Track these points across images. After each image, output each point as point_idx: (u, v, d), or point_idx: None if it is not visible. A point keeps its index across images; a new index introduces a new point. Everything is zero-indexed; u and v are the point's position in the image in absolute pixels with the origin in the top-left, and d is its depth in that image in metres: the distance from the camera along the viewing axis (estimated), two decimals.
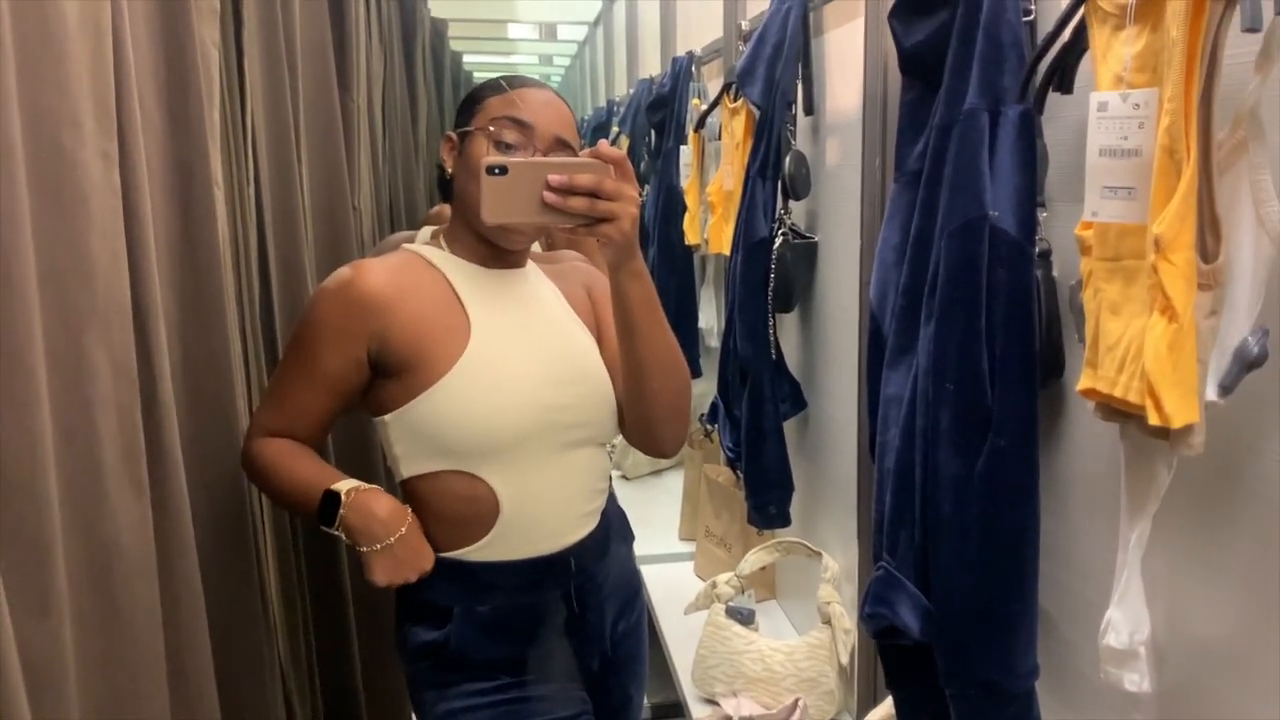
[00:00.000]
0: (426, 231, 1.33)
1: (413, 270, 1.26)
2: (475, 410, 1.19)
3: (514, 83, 1.27)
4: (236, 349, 1.26)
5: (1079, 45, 0.95)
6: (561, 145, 1.23)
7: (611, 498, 1.40)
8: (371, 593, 1.84)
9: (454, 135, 1.28)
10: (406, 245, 1.31)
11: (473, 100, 1.28)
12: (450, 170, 1.29)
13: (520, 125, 1.21)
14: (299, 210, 1.65)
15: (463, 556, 1.24)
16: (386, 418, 1.22)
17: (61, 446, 0.82)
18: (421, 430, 1.20)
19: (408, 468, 1.24)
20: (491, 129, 1.22)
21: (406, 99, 3.58)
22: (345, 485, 1.18)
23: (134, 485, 0.92)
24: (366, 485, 1.20)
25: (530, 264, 1.35)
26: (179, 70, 1.13)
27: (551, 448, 1.24)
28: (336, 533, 1.18)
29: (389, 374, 1.21)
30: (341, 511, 1.16)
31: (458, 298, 1.24)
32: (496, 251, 1.27)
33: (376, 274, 1.22)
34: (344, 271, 1.23)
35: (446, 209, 2.80)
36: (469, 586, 1.24)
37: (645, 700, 1.48)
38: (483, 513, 1.23)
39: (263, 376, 1.40)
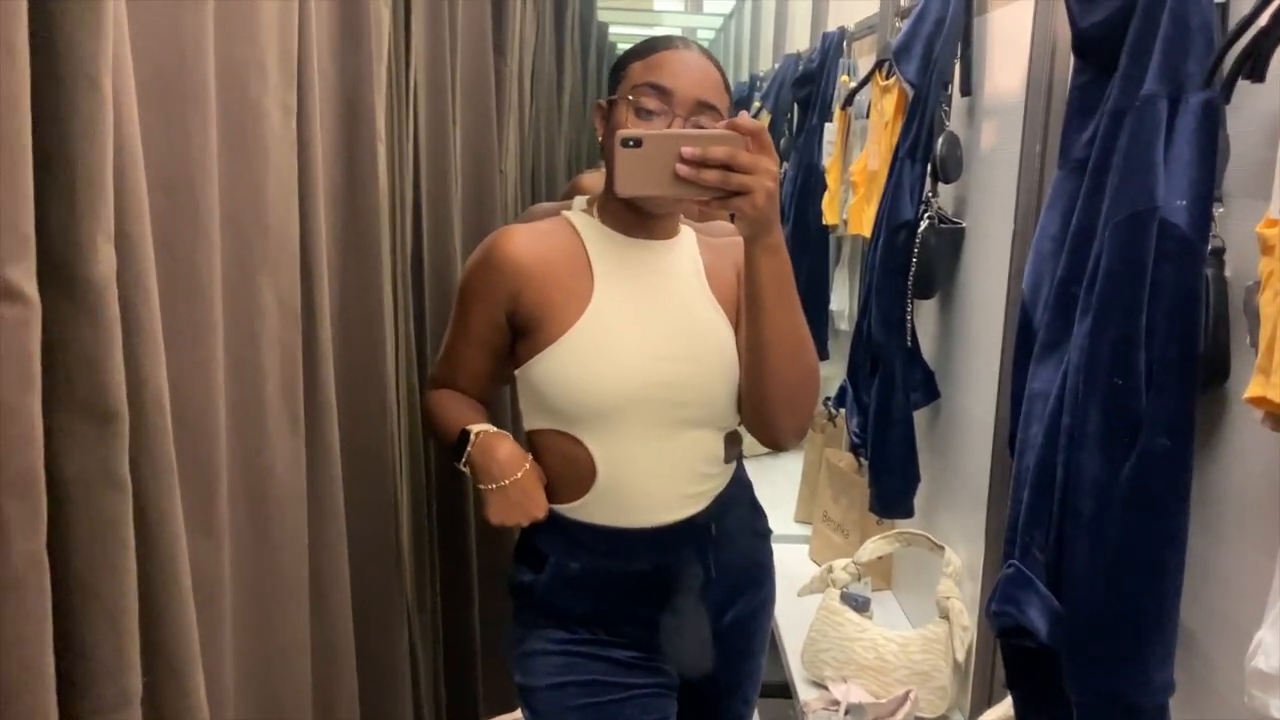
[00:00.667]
0: (582, 200, 1.35)
1: (556, 236, 1.29)
2: (578, 375, 1.21)
3: (658, 45, 1.26)
4: (388, 299, 1.31)
5: (1276, 31, 0.89)
6: (704, 108, 1.21)
7: (742, 487, 1.38)
8: (495, 548, 1.91)
9: (603, 103, 1.30)
10: (563, 211, 1.34)
11: (619, 66, 1.28)
12: (600, 138, 1.30)
13: (660, 91, 1.20)
14: (451, 169, 1.70)
15: (563, 512, 1.28)
16: (516, 372, 1.28)
17: (230, 378, 0.88)
18: (534, 388, 1.25)
19: (527, 422, 1.30)
20: (631, 97, 1.22)
21: (554, 67, 3.62)
22: (477, 427, 1.26)
23: (291, 420, 0.97)
24: (496, 429, 1.27)
25: (686, 234, 1.34)
26: (354, 27, 1.18)
27: (655, 423, 1.24)
28: (464, 469, 1.26)
29: (521, 333, 1.27)
30: (469, 449, 1.24)
31: (589, 264, 1.26)
32: (642, 220, 1.28)
33: (517, 240, 1.27)
34: (490, 238, 1.30)
35: (585, 178, 2.83)
36: (564, 541, 1.28)
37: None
38: (581, 475, 1.25)
39: (409, 326, 1.46)
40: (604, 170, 1.32)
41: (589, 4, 5.01)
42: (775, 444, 1.32)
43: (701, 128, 1.20)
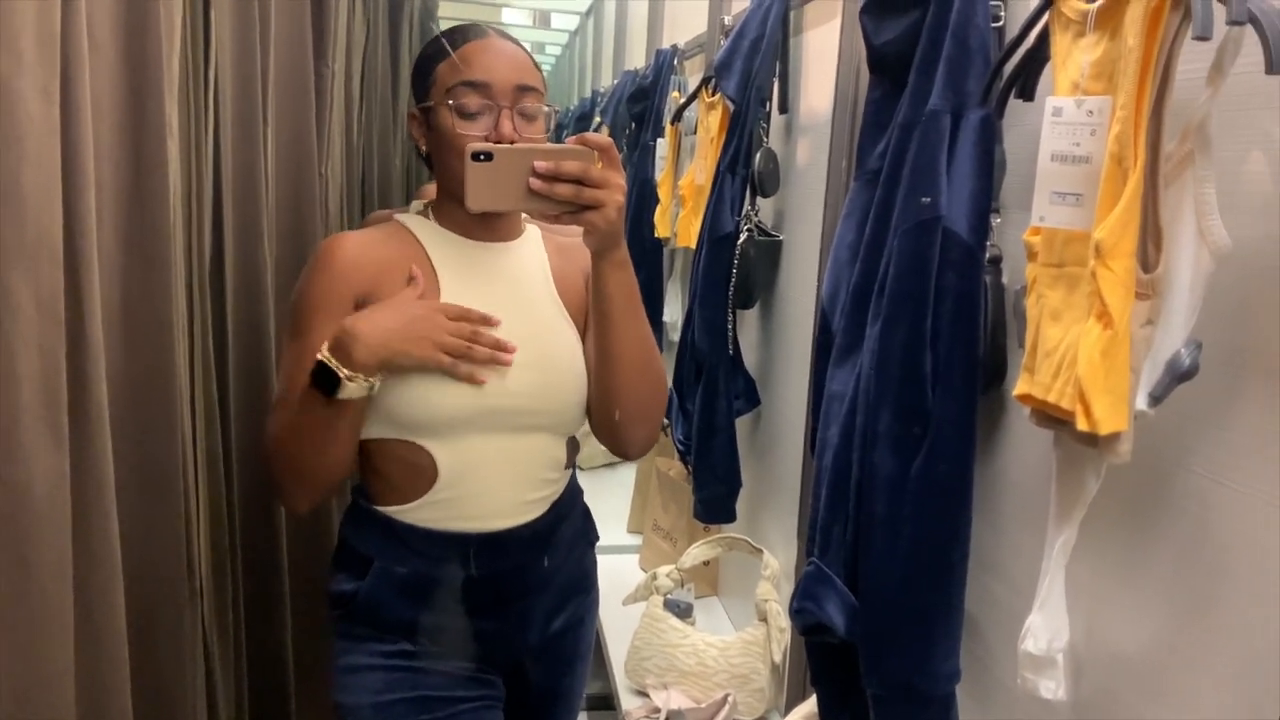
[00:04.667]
0: (417, 204, 1.31)
1: (393, 240, 1.25)
2: (419, 384, 1.17)
3: (457, 39, 1.22)
4: (181, 302, 1.23)
5: (1042, 53, 0.95)
6: (524, 91, 1.19)
7: (575, 494, 1.37)
8: (311, 564, 1.82)
9: (416, 112, 1.26)
10: (396, 215, 1.29)
11: (423, 72, 1.24)
12: (425, 148, 1.27)
13: (476, 87, 1.18)
14: (260, 170, 1.62)
15: (394, 514, 1.22)
16: None
17: None
18: (376, 399, 1.17)
19: (365, 431, 1.21)
20: (451, 101, 1.19)
21: (389, 72, 3.54)
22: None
23: (53, 431, 0.89)
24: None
25: (531, 233, 1.32)
26: (138, 9, 1.11)
27: (501, 429, 1.21)
28: (349, 379, 1.11)
29: None
30: (322, 357, 1.11)
31: (433, 270, 1.22)
32: (485, 220, 1.25)
33: (352, 243, 1.22)
34: (321, 249, 1.23)
35: (430, 188, 2.78)
36: (393, 544, 1.23)
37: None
38: (421, 478, 1.21)
39: (208, 335, 1.38)
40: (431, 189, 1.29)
41: (429, 12, 4.92)
42: (625, 454, 1.32)
43: (525, 113, 1.19)
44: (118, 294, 1.11)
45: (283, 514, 1.64)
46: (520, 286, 1.26)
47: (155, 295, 1.16)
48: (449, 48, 1.21)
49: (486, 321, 1.19)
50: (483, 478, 1.22)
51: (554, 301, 1.28)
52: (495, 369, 1.19)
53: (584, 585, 1.39)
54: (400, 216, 1.29)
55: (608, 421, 1.25)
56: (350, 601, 1.24)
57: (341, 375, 1.10)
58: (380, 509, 1.23)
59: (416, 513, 1.22)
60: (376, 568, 1.23)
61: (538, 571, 1.29)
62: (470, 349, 1.16)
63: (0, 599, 0.85)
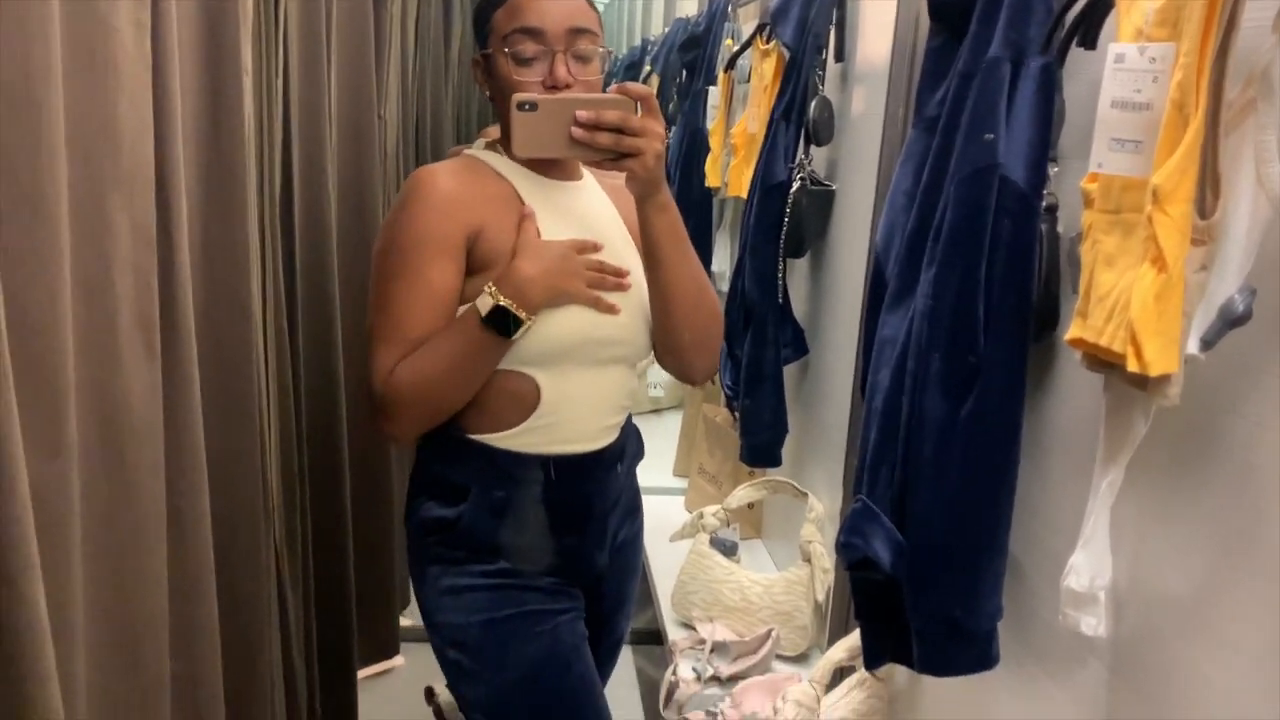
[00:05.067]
0: (481, 142, 1.35)
1: (480, 175, 1.29)
2: (541, 317, 1.22)
3: None
4: (254, 235, 1.28)
5: (1105, 1, 0.96)
6: (579, 34, 1.22)
7: (629, 416, 1.44)
8: (372, 492, 1.90)
9: (478, 58, 1.30)
10: (466, 150, 1.33)
11: (481, 19, 1.28)
12: (488, 93, 1.31)
13: (531, 33, 1.21)
14: (324, 110, 1.67)
15: (490, 441, 1.28)
16: (462, 310, 1.23)
17: (80, 299, 0.85)
18: None
19: None
20: (507, 49, 1.22)
21: (441, 18, 3.56)
22: (486, 299, 1.19)
23: (146, 348, 0.95)
24: (490, 286, 1.20)
25: (588, 177, 1.37)
26: None
27: (592, 360, 1.29)
28: (527, 320, 1.19)
29: (471, 273, 1.24)
30: (498, 304, 1.18)
31: (523, 204, 1.27)
32: (553, 161, 1.30)
33: (448, 177, 1.25)
34: (419, 183, 1.23)
35: (492, 131, 2.82)
36: (489, 471, 1.29)
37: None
38: (522, 405, 1.27)
39: (278, 265, 1.43)
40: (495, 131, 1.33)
41: None
42: (691, 379, 1.41)
43: (580, 55, 1.23)
44: (199, 224, 1.17)
45: (347, 444, 1.71)
46: (595, 220, 1.33)
47: (232, 229, 1.22)
48: None
49: (597, 249, 1.27)
50: (576, 404, 1.29)
51: (626, 238, 1.34)
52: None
53: (638, 503, 1.48)
54: (472, 151, 1.33)
55: (672, 353, 1.33)
56: (451, 527, 1.30)
57: (522, 316, 1.18)
58: (476, 438, 1.28)
59: (515, 439, 1.28)
60: (475, 493, 1.29)
61: (613, 490, 1.37)
62: (603, 279, 1.25)
63: (100, 500, 0.91)
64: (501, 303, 1.18)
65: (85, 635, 0.85)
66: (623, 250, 1.32)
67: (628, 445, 1.40)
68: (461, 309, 1.23)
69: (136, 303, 0.93)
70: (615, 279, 1.27)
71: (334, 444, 1.68)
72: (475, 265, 1.24)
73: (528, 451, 1.28)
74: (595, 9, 1.28)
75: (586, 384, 1.29)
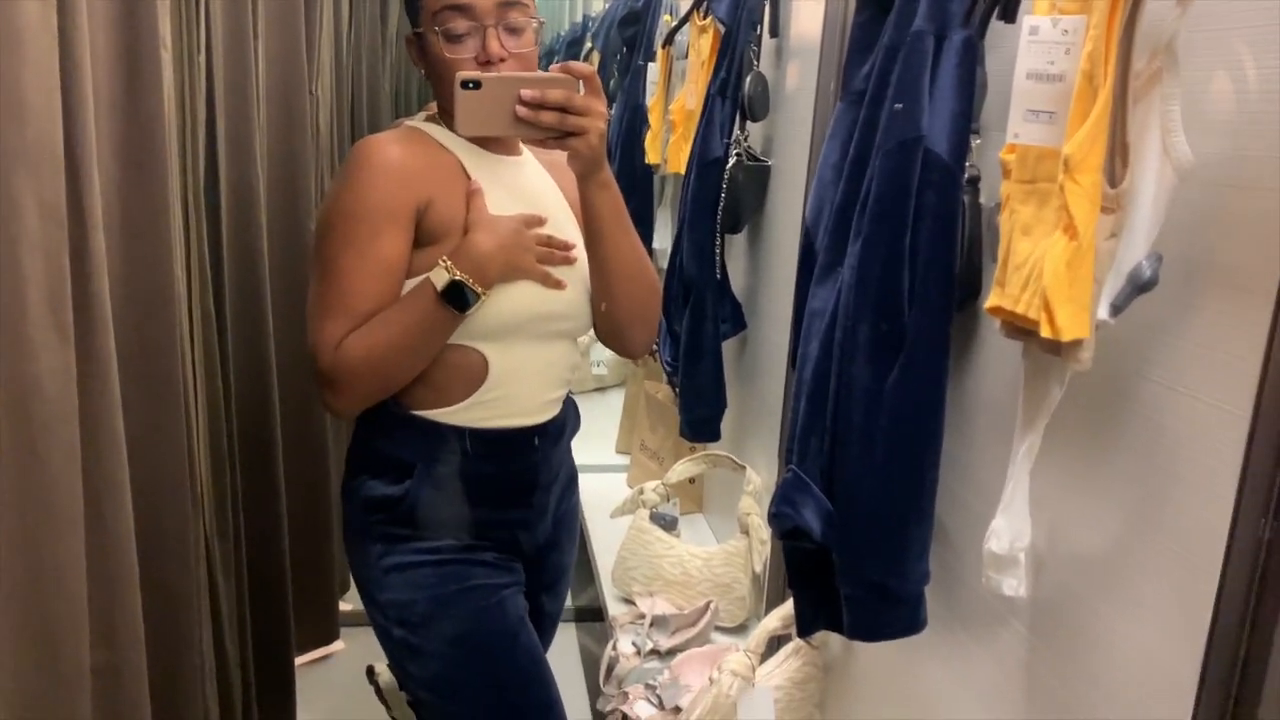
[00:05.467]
0: (421, 115, 1.33)
1: (425, 146, 1.27)
2: (494, 291, 1.22)
3: None
4: (177, 214, 1.25)
5: None
6: (508, 7, 1.22)
7: (570, 393, 1.45)
8: (308, 471, 1.87)
9: (411, 36, 1.29)
10: (408, 121, 1.31)
11: None
12: (423, 72, 1.30)
13: (461, 9, 1.21)
14: (251, 86, 1.63)
15: (436, 416, 1.27)
16: (408, 283, 1.22)
17: None
18: None
19: None
20: (437, 27, 1.21)
21: None
22: (442, 274, 1.18)
23: (58, 330, 0.92)
24: (444, 260, 1.19)
25: (527, 153, 1.37)
26: None
27: (538, 335, 1.30)
28: (483, 295, 1.20)
29: (417, 245, 1.22)
30: (454, 279, 1.18)
31: (469, 178, 1.26)
32: (493, 137, 1.29)
33: (396, 149, 1.22)
34: (367, 152, 1.21)
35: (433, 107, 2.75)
36: (435, 446, 1.28)
37: (569, 602, 1.53)
38: (470, 379, 1.26)
39: (203, 246, 1.40)
40: (432, 108, 1.32)
41: None
42: (630, 354, 1.43)
43: (511, 26, 1.22)
44: (116, 203, 1.14)
45: (278, 421, 1.68)
46: (541, 198, 1.33)
47: (152, 206, 1.18)
48: None
49: (543, 223, 1.27)
50: (522, 379, 1.29)
51: (567, 212, 1.34)
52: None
53: (574, 470, 1.49)
54: (413, 122, 1.32)
55: (611, 326, 1.34)
56: (395, 504, 1.28)
57: (479, 291, 1.19)
58: (420, 413, 1.27)
59: (461, 414, 1.27)
60: (420, 470, 1.28)
61: (554, 463, 1.38)
62: (551, 254, 1.26)
63: (11, 488, 0.89)
64: (458, 277, 1.18)
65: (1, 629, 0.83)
66: (565, 225, 1.33)
67: (569, 419, 1.41)
68: (409, 282, 1.22)
69: (46, 284, 0.90)
70: (563, 254, 1.27)
71: (266, 425, 1.65)
72: (423, 238, 1.23)
73: (472, 426, 1.28)
74: (553, 48, 1.28)
75: (532, 358, 1.30)
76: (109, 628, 1.03)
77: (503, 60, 1.21)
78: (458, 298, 1.18)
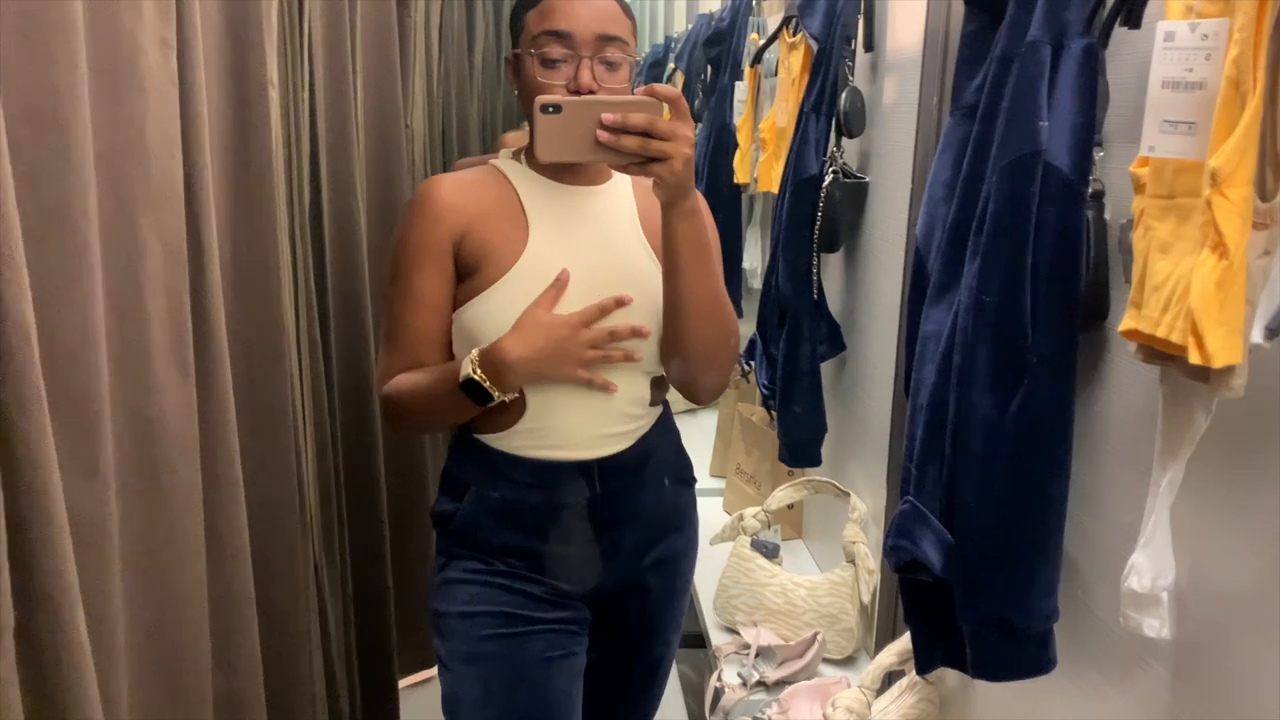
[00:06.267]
0: (507, 150, 1.35)
1: (486, 183, 1.29)
2: (509, 319, 1.21)
3: None
4: (285, 248, 1.28)
5: None
6: (607, 41, 1.21)
7: (665, 431, 1.39)
8: (408, 502, 1.89)
9: (510, 57, 1.29)
10: (491, 160, 1.33)
11: (516, 18, 1.28)
12: (516, 92, 1.30)
13: (558, 36, 1.20)
14: (352, 121, 1.66)
15: (489, 441, 1.28)
16: (452, 315, 1.27)
17: (112, 320, 0.85)
18: (469, 331, 1.24)
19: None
20: (534, 50, 1.22)
21: (464, 24, 3.56)
22: (466, 366, 1.20)
23: (180, 366, 0.95)
24: (481, 349, 1.21)
25: (619, 180, 1.35)
26: None
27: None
28: (500, 397, 1.21)
29: (461, 277, 1.26)
30: (474, 368, 1.19)
31: (523, 210, 1.26)
32: (572, 165, 1.28)
33: (447, 185, 1.27)
34: (418, 192, 1.27)
35: (509, 137, 2.76)
36: (487, 470, 1.29)
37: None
38: (512, 408, 1.26)
39: (309, 279, 1.43)
40: (524, 129, 1.32)
41: None
42: (694, 398, 1.35)
43: (610, 63, 1.21)
44: (229, 241, 1.16)
45: (381, 447, 1.70)
46: (606, 226, 1.30)
47: (262, 243, 1.21)
48: None
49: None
50: (567, 410, 1.26)
51: (639, 240, 1.31)
52: (576, 302, 1.23)
53: (677, 522, 1.41)
54: (495, 161, 1.33)
55: (678, 365, 1.29)
56: (449, 521, 1.31)
57: (494, 395, 1.20)
58: (478, 436, 1.29)
59: (508, 440, 1.28)
60: (472, 492, 1.30)
61: (622, 503, 1.32)
62: (608, 355, 1.23)
63: (138, 520, 0.91)
64: (475, 376, 1.19)
65: (126, 656, 0.85)
66: (634, 256, 1.29)
67: (650, 458, 1.35)
68: (463, 311, 1.24)
69: (170, 322, 0.92)
70: (625, 352, 1.24)
71: (370, 452, 1.67)
72: (462, 269, 1.25)
73: (521, 454, 1.28)
74: (630, 17, 1.26)
75: (578, 389, 1.26)
76: (229, 654, 1.04)
77: (591, 93, 1.20)
78: (475, 393, 1.20)
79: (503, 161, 1.32)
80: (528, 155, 1.32)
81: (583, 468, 1.28)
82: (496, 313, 1.22)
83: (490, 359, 1.20)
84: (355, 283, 1.66)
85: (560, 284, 1.23)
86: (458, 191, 1.26)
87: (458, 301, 1.25)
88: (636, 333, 1.25)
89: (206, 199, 1.00)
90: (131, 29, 0.88)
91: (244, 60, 1.17)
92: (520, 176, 1.29)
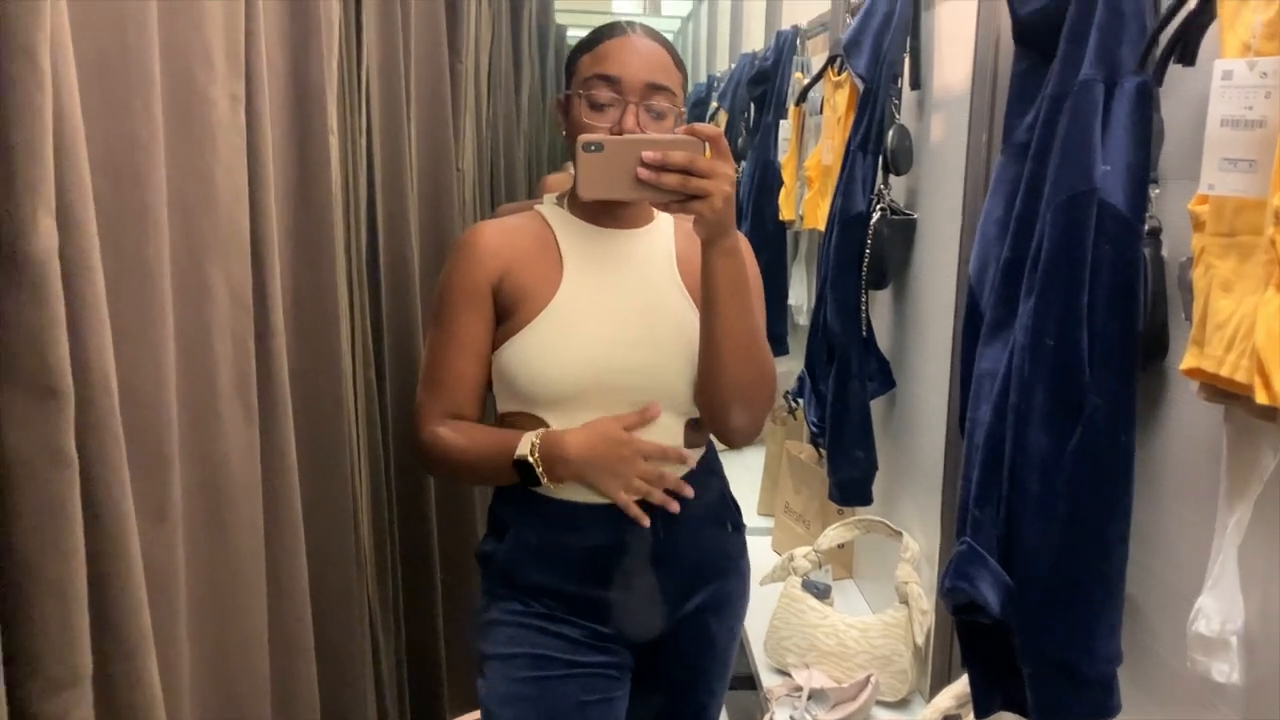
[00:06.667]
0: (551, 196, 1.37)
1: (527, 228, 1.32)
2: (541, 359, 1.24)
3: (603, 34, 1.28)
4: (343, 291, 1.31)
5: (1204, 16, 0.92)
6: (655, 90, 1.23)
7: (709, 474, 1.37)
8: (458, 547, 1.90)
9: (561, 98, 1.32)
10: (536, 205, 1.36)
11: (571, 61, 1.31)
12: (564, 133, 1.32)
13: (608, 81, 1.23)
14: (406, 166, 1.70)
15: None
16: (491, 356, 1.29)
17: (182, 365, 0.87)
18: (503, 372, 1.27)
19: (500, 405, 1.32)
20: (583, 91, 1.25)
21: (511, 67, 3.63)
22: (524, 445, 1.24)
23: (245, 410, 0.97)
24: (543, 434, 1.25)
25: (664, 220, 1.36)
26: (302, 21, 1.18)
27: (616, 405, 1.26)
28: (548, 484, 1.24)
29: (499, 319, 1.29)
30: (526, 459, 1.23)
31: (559, 253, 1.28)
32: (611, 208, 1.30)
33: (490, 230, 1.31)
34: (461, 237, 1.32)
35: (551, 179, 2.79)
36: (526, 510, 1.29)
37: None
38: None
39: (365, 322, 1.46)
40: (568, 169, 1.35)
41: (546, 6, 5.02)
42: (727, 440, 1.34)
43: (654, 110, 1.23)
44: (290, 286, 1.19)
45: (433, 491, 1.72)
46: (641, 268, 1.31)
47: (322, 288, 1.24)
48: (598, 38, 1.27)
49: (682, 459, 1.28)
50: None
51: (675, 283, 1.31)
52: (606, 343, 1.25)
53: (723, 568, 1.39)
54: (539, 207, 1.36)
55: (711, 405, 1.28)
56: (491, 562, 1.33)
57: (544, 481, 1.23)
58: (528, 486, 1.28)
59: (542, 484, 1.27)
60: (512, 533, 1.31)
61: (658, 547, 1.30)
62: (649, 491, 1.25)
63: (202, 562, 0.92)
64: (530, 459, 1.22)
65: (190, 701, 0.86)
66: (668, 298, 1.30)
67: (693, 501, 1.31)
68: (502, 352, 1.26)
69: (235, 366, 0.95)
70: (664, 498, 1.26)
71: (421, 493, 1.69)
72: (501, 312, 1.28)
73: (557, 496, 1.27)
74: (682, 70, 1.29)
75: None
76: (288, 696, 1.05)
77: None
78: (526, 472, 1.23)
79: (545, 207, 1.35)
80: (570, 200, 1.34)
81: (616, 511, 1.26)
82: (528, 353, 1.24)
83: (550, 447, 1.22)
84: (410, 324, 1.69)
85: (648, 415, 1.26)
86: (499, 236, 1.29)
87: (496, 343, 1.28)
88: (678, 489, 1.27)
89: (271, 246, 1.02)
90: (203, 84, 0.92)
91: (307, 111, 1.20)
92: (559, 220, 1.32)
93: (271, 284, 1.02)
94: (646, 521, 1.25)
